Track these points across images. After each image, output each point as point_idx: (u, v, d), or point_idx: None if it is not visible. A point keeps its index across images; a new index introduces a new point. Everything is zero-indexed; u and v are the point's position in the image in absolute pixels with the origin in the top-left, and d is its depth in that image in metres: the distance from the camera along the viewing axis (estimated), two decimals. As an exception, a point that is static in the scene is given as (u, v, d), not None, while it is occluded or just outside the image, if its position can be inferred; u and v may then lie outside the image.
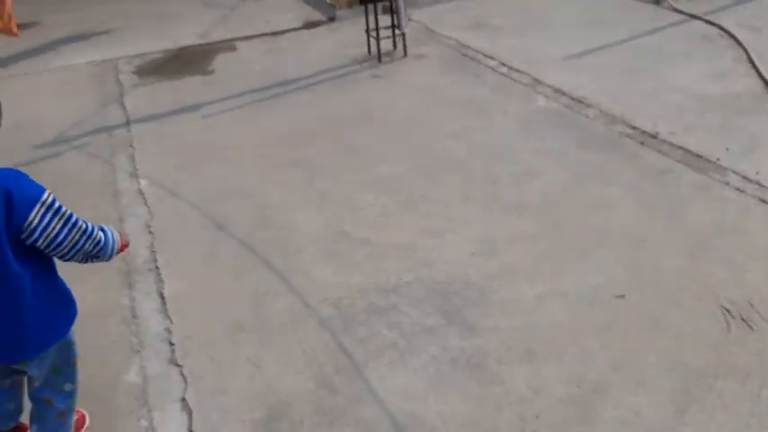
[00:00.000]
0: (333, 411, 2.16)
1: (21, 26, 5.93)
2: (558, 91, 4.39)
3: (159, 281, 2.85)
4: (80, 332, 2.52)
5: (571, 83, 4.47)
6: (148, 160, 3.96)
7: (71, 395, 1.97)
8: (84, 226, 1.76)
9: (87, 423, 2.18)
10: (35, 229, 1.65)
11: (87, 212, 3.40)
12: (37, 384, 1.90)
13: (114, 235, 1.86)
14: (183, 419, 2.17)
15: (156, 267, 2.94)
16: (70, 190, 3.69)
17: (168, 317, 2.63)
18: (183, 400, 2.25)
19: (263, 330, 2.53)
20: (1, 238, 1.62)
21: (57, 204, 1.69)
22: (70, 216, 1.73)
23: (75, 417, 2.04)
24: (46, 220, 1.67)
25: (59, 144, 4.29)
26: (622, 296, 2.57)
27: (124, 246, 1.94)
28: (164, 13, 7.28)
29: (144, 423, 2.18)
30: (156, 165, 3.89)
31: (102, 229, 1.83)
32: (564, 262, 2.78)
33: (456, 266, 2.80)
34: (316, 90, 4.84)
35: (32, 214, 1.64)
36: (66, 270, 3.01)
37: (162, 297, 2.75)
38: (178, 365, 2.39)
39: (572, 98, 4.26)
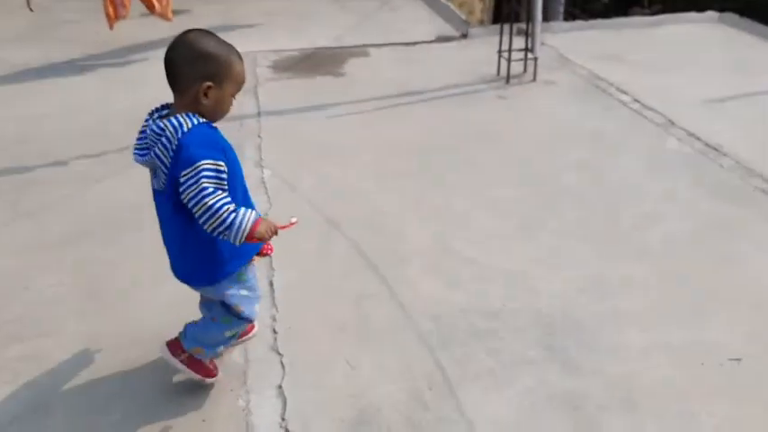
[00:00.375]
0: (421, 426, 2.17)
1: (174, 12, 6.35)
2: (692, 135, 4.20)
3: (271, 269, 2.96)
4: (195, 307, 2.68)
5: (708, 128, 4.26)
6: (273, 152, 4.12)
7: (221, 323, 2.22)
8: (210, 203, 1.86)
9: (253, 332, 2.50)
10: (180, 187, 1.88)
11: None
12: None
13: (244, 221, 1.91)
14: (278, 406, 2.24)
15: (270, 255, 3.04)
16: (199, 171, 3.90)
17: (275, 305, 2.73)
18: (280, 387, 2.32)
19: (363, 333, 2.57)
20: (168, 181, 1.92)
21: (201, 174, 1.85)
22: (202, 190, 1.86)
23: (232, 331, 2.25)
24: (187, 183, 1.87)
25: (195, 126, 4.54)
26: (738, 360, 2.42)
27: (256, 233, 1.92)
28: (304, 13, 7.56)
29: (241, 403, 2.26)
30: (280, 158, 4.04)
31: (235, 212, 1.89)
32: (678, 314, 2.65)
33: (564, 301, 2.73)
34: (441, 104, 4.87)
35: (182, 173, 1.87)
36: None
37: (271, 285, 2.85)
38: (279, 354, 2.47)
39: (707, 144, 4.06)
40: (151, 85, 5.33)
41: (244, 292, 2.18)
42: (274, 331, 2.58)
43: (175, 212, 1.99)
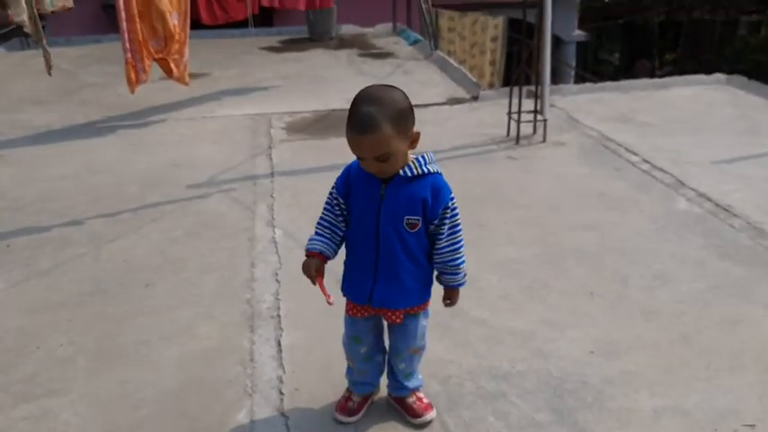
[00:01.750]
0: (427, 491, 2.13)
1: (192, 76, 6.56)
2: (702, 195, 4.21)
3: (279, 328, 2.97)
4: (204, 366, 2.69)
5: (718, 188, 4.27)
6: (285, 212, 4.18)
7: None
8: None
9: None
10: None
11: (223, 254, 3.66)
12: None
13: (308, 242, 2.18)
14: (282, 470, 2.21)
15: (278, 315, 3.06)
16: (211, 230, 3.97)
17: (282, 365, 2.72)
18: (285, 450, 2.30)
19: (370, 395, 2.55)
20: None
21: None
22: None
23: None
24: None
25: (209, 186, 4.63)
26: (752, 426, 2.37)
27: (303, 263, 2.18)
28: (320, 77, 7.78)
29: (245, 466, 2.24)
30: (292, 217, 4.09)
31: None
32: (689, 378, 2.61)
33: (573, 363, 2.71)
34: (450, 165, 4.93)
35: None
36: (199, 307, 3.22)
37: (279, 345, 2.86)
38: (284, 416, 2.45)
39: (717, 205, 4.07)
40: (168, 147, 5.50)
41: None
42: (280, 392, 2.57)
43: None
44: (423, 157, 2.09)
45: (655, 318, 3.01)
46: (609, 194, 4.33)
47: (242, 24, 8.36)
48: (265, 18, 11.04)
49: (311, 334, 2.94)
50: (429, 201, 2.06)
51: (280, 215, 4.13)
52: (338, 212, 2.16)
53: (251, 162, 5.07)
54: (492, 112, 6.06)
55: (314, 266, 2.13)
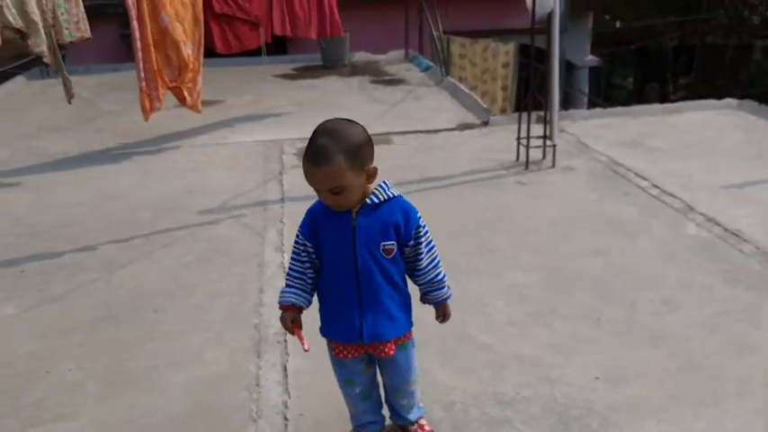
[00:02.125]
0: None
1: (207, 103, 6.68)
2: (711, 220, 4.20)
3: (285, 354, 2.99)
4: (211, 391, 2.71)
5: (727, 213, 4.26)
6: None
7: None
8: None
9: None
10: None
11: (233, 279, 3.70)
12: None
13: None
14: (285, 496, 2.22)
15: (285, 340, 3.08)
16: (221, 255, 4.01)
17: (287, 391, 2.74)
18: (288, 476, 2.30)
19: (374, 421, 2.56)
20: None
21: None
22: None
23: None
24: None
25: (220, 212, 4.69)
26: (762, 454, 2.34)
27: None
28: (333, 103, 7.88)
29: (248, 492, 2.25)
30: (301, 243, 4.12)
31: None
32: (696, 404, 2.59)
33: (578, 389, 2.70)
34: (459, 190, 4.97)
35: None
36: (209, 333, 3.24)
37: (285, 370, 2.88)
38: (289, 441, 2.46)
39: (726, 229, 4.05)
40: (181, 174, 5.58)
41: None
42: (285, 418, 2.58)
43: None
44: (383, 183, 2.11)
45: (662, 343, 2.99)
46: (618, 219, 4.33)
47: (256, 52, 8.50)
48: (280, 46, 11.20)
49: (316, 359, 2.92)
50: (401, 223, 2.09)
51: (289, 241, 4.16)
52: (305, 259, 2.13)
53: (262, 188, 5.14)
54: (502, 138, 6.10)
55: (289, 318, 2.14)
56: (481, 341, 3.05)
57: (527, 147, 5.35)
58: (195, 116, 6.61)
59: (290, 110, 7.61)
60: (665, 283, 3.50)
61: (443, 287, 2.24)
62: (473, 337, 3.08)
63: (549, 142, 5.42)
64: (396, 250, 2.10)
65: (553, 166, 5.35)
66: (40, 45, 5.75)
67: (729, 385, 2.69)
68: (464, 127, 6.67)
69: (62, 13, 5.89)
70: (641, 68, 18.94)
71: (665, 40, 17.79)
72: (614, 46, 17.62)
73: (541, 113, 5.50)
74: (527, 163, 5.35)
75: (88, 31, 6.17)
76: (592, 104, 12.78)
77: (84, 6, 6.15)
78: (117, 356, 3.05)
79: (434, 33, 9.40)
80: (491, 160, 5.58)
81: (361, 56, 10.82)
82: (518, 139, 5.47)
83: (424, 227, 2.14)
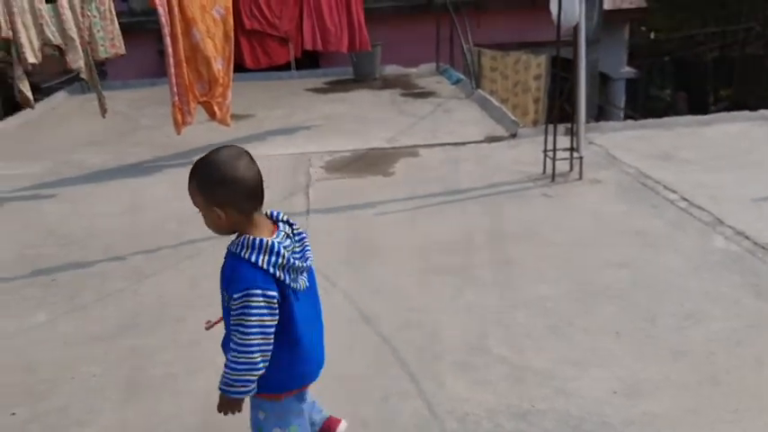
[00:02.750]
0: None
1: (238, 117, 6.81)
2: (740, 233, 4.10)
3: (302, 364, 3.01)
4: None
5: (757, 226, 4.16)
6: (318, 249, 4.21)
7: None
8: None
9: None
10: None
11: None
12: None
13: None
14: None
15: (302, 351, 3.11)
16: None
17: (302, 400, 2.76)
18: (298, 484, 2.31)
19: (385, 431, 2.56)
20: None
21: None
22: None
23: None
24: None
25: (246, 224, 4.75)
26: (783, 472, 2.28)
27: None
28: (362, 117, 7.94)
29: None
30: (323, 254, 4.15)
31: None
32: (716, 420, 2.53)
33: (594, 403, 2.66)
34: (485, 202, 4.96)
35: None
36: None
37: (301, 380, 2.89)
38: (300, 449, 2.47)
39: (756, 243, 3.95)
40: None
41: None
42: (298, 426, 2.60)
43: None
44: (248, 239, 1.96)
45: (683, 357, 2.94)
46: (644, 232, 4.26)
47: (288, 66, 8.64)
48: (312, 60, 11.36)
49: (329, 368, 2.96)
50: (224, 285, 2.02)
51: (314, 252, 4.19)
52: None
53: (288, 200, 5.20)
54: (529, 150, 6.07)
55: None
56: (498, 353, 3.03)
57: (553, 159, 5.31)
58: (227, 130, 6.72)
59: (320, 123, 7.69)
60: (689, 296, 3.43)
61: (226, 370, 1.95)
62: (490, 349, 3.07)
63: (575, 154, 5.37)
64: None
65: (580, 178, 5.30)
66: (78, 61, 5.94)
67: (751, 400, 2.63)
68: (492, 139, 6.66)
69: (98, 31, 6.07)
70: (680, 80, 18.65)
71: (704, 51, 17.49)
72: (652, 57, 17.40)
73: (569, 125, 5.46)
74: (553, 175, 5.31)
75: (123, 47, 6.35)
76: (627, 118, 12.60)
77: (124, 22, 6.35)
78: (138, 364, 3.11)
79: (465, 46, 9.42)
80: (518, 172, 5.55)
81: (392, 69, 10.90)
82: (545, 151, 5.44)
83: (239, 298, 1.89)
